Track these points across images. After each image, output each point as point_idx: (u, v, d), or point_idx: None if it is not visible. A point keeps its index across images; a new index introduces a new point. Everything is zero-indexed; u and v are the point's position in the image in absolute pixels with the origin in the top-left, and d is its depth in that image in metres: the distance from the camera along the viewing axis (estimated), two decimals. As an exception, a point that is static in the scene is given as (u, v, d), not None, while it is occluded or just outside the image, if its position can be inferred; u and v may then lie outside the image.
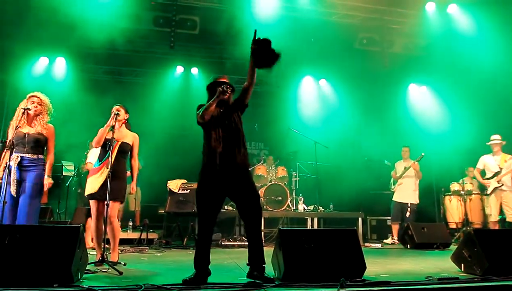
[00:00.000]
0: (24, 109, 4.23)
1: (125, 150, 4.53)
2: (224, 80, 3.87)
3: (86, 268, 3.60)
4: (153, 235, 6.92)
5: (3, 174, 4.03)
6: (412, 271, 4.22)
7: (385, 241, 7.81)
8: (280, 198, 7.92)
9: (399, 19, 8.97)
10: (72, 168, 8.16)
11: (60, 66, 9.48)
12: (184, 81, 10.26)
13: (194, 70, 10.30)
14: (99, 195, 4.32)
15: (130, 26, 8.30)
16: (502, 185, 6.91)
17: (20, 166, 4.14)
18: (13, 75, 8.84)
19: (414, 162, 7.80)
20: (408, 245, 6.78)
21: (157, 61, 9.64)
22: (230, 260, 5.20)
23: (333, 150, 8.91)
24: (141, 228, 6.93)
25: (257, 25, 8.13)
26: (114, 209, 4.37)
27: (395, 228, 7.77)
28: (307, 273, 3.30)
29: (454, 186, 8.52)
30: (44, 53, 9.22)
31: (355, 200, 9.29)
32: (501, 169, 6.99)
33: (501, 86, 8.11)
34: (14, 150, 4.15)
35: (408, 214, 7.62)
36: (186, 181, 7.32)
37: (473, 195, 8.23)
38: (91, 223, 4.60)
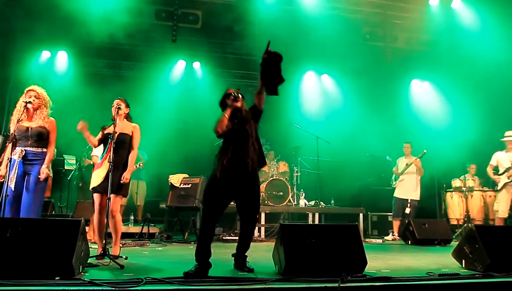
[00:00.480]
0: (26, 103, 4.24)
1: (123, 141, 4.46)
2: (231, 91, 3.96)
3: (88, 262, 3.62)
4: (154, 229, 6.94)
5: (6, 168, 4.04)
6: (413, 266, 4.22)
7: (386, 238, 7.80)
8: (281, 193, 7.93)
9: (402, 14, 8.93)
10: (74, 161, 8.19)
11: (62, 60, 9.47)
12: (186, 76, 10.24)
13: (196, 65, 10.27)
14: (101, 188, 4.32)
15: (132, 20, 8.28)
16: None
17: (24, 159, 4.16)
18: (15, 69, 8.84)
19: (416, 159, 7.78)
20: (409, 241, 6.79)
21: (159, 55, 9.61)
22: (231, 254, 5.20)
23: (334, 145, 8.90)
24: (143, 222, 6.95)
25: (260, 19, 8.19)
26: (117, 203, 4.38)
27: (396, 224, 7.77)
28: (308, 268, 3.31)
29: (456, 182, 8.51)
30: (46, 47, 9.22)
31: (356, 196, 9.29)
32: None
33: (505, 81, 8.06)
34: (17, 144, 4.16)
35: (408, 210, 7.61)
36: (187, 176, 7.32)
37: (474, 192, 8.22)
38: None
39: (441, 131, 9.43)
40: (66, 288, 2.67)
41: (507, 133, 7.13)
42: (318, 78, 10.94)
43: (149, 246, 5.86)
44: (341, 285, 2.95)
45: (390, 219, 8.25)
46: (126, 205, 7.47)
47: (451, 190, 8.57)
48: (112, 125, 4.39)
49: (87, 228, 5.55)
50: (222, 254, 5.31)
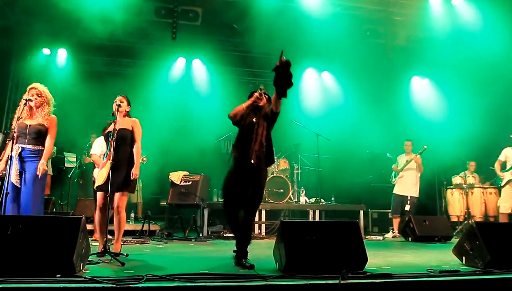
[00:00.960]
0: (26, 100, 4.24)
1: (124, 137, 4.41)
2: (261, 87, 4.29)
3: (89, 259, 3.62)
4: (155, 227, 6.94)
5: (5, 165, 4.04)
6: (413, 263, 4.23)
7: (386, 236, 7.80)
8: (281, 190, 7.94)
9: (403, 11, 8.91)
10: (74, 159, 8.19)
11: (62, 58, 9.46)
12: (186, 73, 10.22)
13: (196, 62, 10.26)
14: (106, 187, 4.31)
15: (132, 17, 8.28)
16: None
17: (21, 156, 4.15)
18: (15, 67, 8.83)
19: (416, 155, 7.77)
20: (410, 238, 6.79)
21: (159, 53, 9.59)
22: (232, 251, 5.21)
23: (335, 142, 8.90)
24: (143, 219, 6.95)
25: (260, 16, 8.18)
26: (123, 199, 4.36)
27: (396, 221, 7.77)
28: (308, 265, 3.31)
29: (456, 179, 8.51)
30: (46, 45, 9.20)
31: (356, 193, 9.29)
32: None
33: (505, 78, 8.05)
34: (16, 141, 4.15)
35: (408, 207, 7.60)
36: (188, 173, 7.32)
37: (474, 189, 8.22)
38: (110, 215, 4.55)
39: (441, 128, 9.41)
40: (67, 285, 2.68)
41: None
42: (318, 75, 10.92)
43: (150, 243, 5.87)
44: (342, 281, 2.95)
45: (390, 216, 8.25)
46: (127, 203, 7.48)
47: (451, 187, 8.57)
48: (112, 123, 4.38)
49: (90, 226, 5.56)
50: (222, 251, 5.33)
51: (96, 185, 4.39)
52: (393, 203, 7.88)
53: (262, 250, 5.28)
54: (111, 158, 4.19)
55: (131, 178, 4.35)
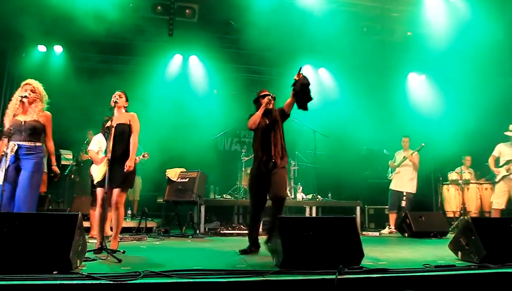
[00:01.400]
0: (21, 97, 4.21)
1: (122, 132, 4.40)
2: (266, 92, 4.73)
3: (85, 256, 3.62)
4: (152, 224, 6.94)
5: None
6: (409, 259, 4.25)
7: (382, 231, 7.84)
8: (278, 187, 7.92)
9: (400, 7, 8.90)
10: (71, 156, 8.17)
11: (58, 54, 9.40)
12: (182, 70, 10.19)
13: (193, 59, 10.22)
14: (105, 183, 4.29)
15: (128, 13, 8.23)
16: (511, 174, 6.92)
17: (17, 154, 4.13)
18: (10, 64, 8.78)
19: (413, 153, 7.79)
20: (406, 234, 6.82)
21: (156, 50, 9.55)
22: (228, 248, 5.23)
23: (332, 139, 8.91)
24: (140, 216, 6.95)
25: (257, 13, 8.16)
26: (122, 196, 4.35)
27: (392, 216, 7.80)
28: (305, 260, 3.32)
29: (452, 175, 8.55)
30: (42, 41, 9.14)
31: (353, 189, 9.31)
32: None
33: (500, 74, 8.08)
34: (11, 138, 4.13)
35: (404, 203, 7.63)
36: (185, 170, 7.32)
37: (470, 184, 8.26)
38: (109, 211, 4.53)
39: (438, 124, 9.43)
40: (63, 282, 2.67)
41: None
42: (315, 71, 10.91)
43: (147, 240, 5.86)
44: (338, 277, 2.96)
45: (387, 212, 8.28)
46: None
47: (447, 182, 8.61)
48: (110, 119, 4.37)
49: (86, 223, 5.55)
50: (220, 247, 5.33)
51: (96, 181, 4.38)
52: (390, 198, 7.92)
53: (260, 246, 5.29)
54: (109, 153, 4.18)
55: (125, 170, 4.27)
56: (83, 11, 7.66)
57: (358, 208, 7.91)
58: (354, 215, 7.44)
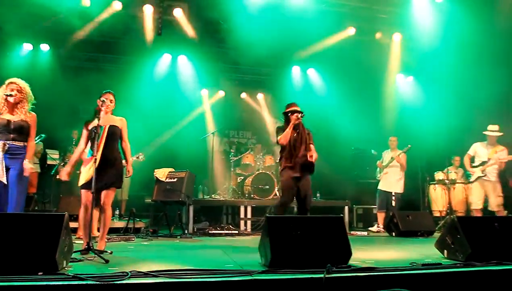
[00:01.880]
0: (6, 96, 4.15)
1: (115, 133, 4.41)
2: (297, 108, 5.28)
3: (72, 257, 3.58)
4: (140, 224, 6.89)
5: None
6: (397, 257, 4.30)
7: (370, 229, 7.92)
8: (267, 187, 7.98)
9: (387, 8, 8.97)
10: (57, 156, 8.06)
11: (44, 53, 9.26)
12: (171, 69, 10.14)
13: (182, 58, 10.17)
14: (92, 185, 4.24)
15: (117, 11, 8.16)
16: (486, 175, 7.02)
17: (7, 153, 4.08)
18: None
19: (400, 154, 7.86)
20: (393, 233, 6.89)
21: (144, 48, 9.47)
22: (217, 248, 5.23)
23: (320, 139, 8.91)
24: (128, 217, 6.90)
25: (245, 14, 8.16)
26: (110, 196, 4.34)
27: (381, 216, 7.87)
28: (294, 259, 3.33)
29: (439, 175, 8.64)
30: (27, 40, 8.99)
31: (342, 189, 9.38)
32: (489, 159, 7.05)
33: (486, 74, 8.19)
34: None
35: (393, 203, 7.71)
36: (173, 170, 7.28)
37: (456, 184, 8.37)
38: (96, 212, 4.50)
39: (426, 125, 9.52)
40: (49, 283, 2.64)
41: (491, 127, 7.13)
42: (303, 72, 10.96)
43: (135, 240, 5.82)
44: (327, 276, 2.98)
45: (375, 211, 8.35)
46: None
47: (434, 182, 8.71)
48: (97, 119, 4.32)
49: (74, 224, 5.48)
50: (208, 247, 5.33)
51: (81, 183, 4.31)
52: (378, 198, 7.99)
53: (248, 246, 5.30)
54: (96, 154, 4.13)
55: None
56: (70, 9, 7.57)
57: (346, 208, 7.97)
58: (342, 215, 7.49)
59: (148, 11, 8.46)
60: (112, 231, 6.49)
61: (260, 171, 8.15)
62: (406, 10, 8.81)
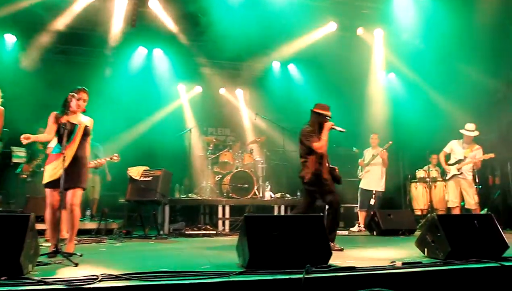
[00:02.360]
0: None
1: (86, 134, 4.40)
2: (329, 113, 5.56)
3: (38, 260, 3.48)
4: (112, 225, 6.79)
5: None
6: (377, 256, 4.35)
7: (351, 229, 7.99)
8: (246, 186, 7.96)
9: (369, 4, 9.06)
10: (24, 154, 7.83)
11: (10, 44, 8.96)
12: (146, 63, 9.98)
13: (157, 52, 10.03)
14: (58, 183, 4.14)
15: (89, 2, 7.99)
16: (461, 173, 7.19)
17: None
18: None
19: (382, 151, 7.97)
20: (375, 232, 6.99)
21: (117, 41, 9.26)
22: (194, 249, 5.19)
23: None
24: (100, 217, 6.78)
25: (224, 7, 8.10)
26: (77, 196, 4.26)
27: (362, 215, 7.96)
28: (272, 260, 3.32)
29: (420, 173, 8.80)
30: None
31: (323, 188, 9.39)
32: (465, 158, 7.23)
33: (466, 72, 8.38)
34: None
35: (373, 201, 7.81)
36: (148, 168, 7.18)
37: (437, 182, 8.53)
38: (63, 213, 4.37)
39: (407, 122, 9.67)
40: (13, 288, 2.56)
41: (468, 126, 7.28)
42: (284, 68, 10.97)
43: (107, 242, 5.74)
44: (306, 276, 2.99)
45: (356, 210, 8.45)
46: (82, 200, 7.24)
47: (415, 180, 8.86)
48: (66, 115, 4.24)
49: (42, 226, 5.33)
50: (184, 248, 5.29)
51: (46, 181, 4.20)
52: (360, 197, 8.08)
53: (226, 246, 5.28)
54: (71, 153, 4.06)
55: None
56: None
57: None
58: (322, 214, 7.54)
59: (122, 2, 8.29)
60: (83, 232, 6.36)
61: (239, 169, 8.12)
62: (388, 5, 8.92)
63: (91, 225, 6.75)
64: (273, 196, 8.38)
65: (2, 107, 4.22)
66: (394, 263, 3.54)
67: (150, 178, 6.92)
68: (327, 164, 5.38)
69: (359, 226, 7.97)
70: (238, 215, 7.64)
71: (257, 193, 8.19)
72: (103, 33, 9.00)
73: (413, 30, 9.13)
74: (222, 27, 8.16)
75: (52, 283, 2.65)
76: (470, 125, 7.29)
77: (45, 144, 7.07)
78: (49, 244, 4.41)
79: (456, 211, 7.24)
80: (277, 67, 10.96)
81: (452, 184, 7.31)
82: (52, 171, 4.17)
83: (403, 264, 3.46)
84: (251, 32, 8.27)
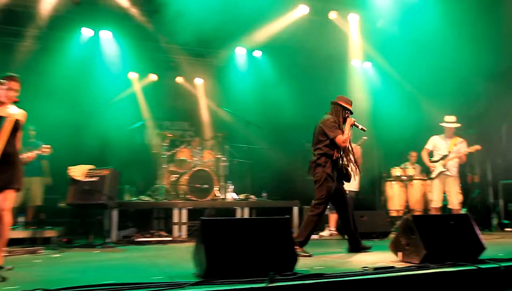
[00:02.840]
0: None
1: (17, 128, 4.23)
2: (350, 107, 5.67)
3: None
4: (50, 233, 6.58)
5: None
6: (348, 262, 4.43)
7: (321, 234, 8.08)
8: (206, 186, 7.92)
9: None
10: None
11: None
12: (91, 48, 9.68)
13: (106, 34, 9.74)
14: None
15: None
16: (447, 169, 7.43)
17: None
18: None
19: (355, 146, 8.09)
20: (346, 235, 7.10)
21: (57, 21, 8.94)
22: (145, 258, 5.12)
23: (267, 131, 9.01)
24: (35, 224, 6.57)
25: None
26: (9, 199, 4.09)
27: (333, 218, 8.05)
28: (233, 268, 3.33)
29: (396, 171, 9.00)
30: None
31: (291, 188, 9.51)
32: (449, 152, 7.43)
33: (442, 66, 8.66)
34: None
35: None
36: (93, 167, 6.99)
37: (414, 181, 8.76)
38: None
39: (382, 116, 9.89)
40: None
41: (447, 118, 7.50)
42: (249, 55, 10.94)
43: (43, 253, 5.59)
44: (269, 285, 3.00)
45: (327, 212, 8.55)
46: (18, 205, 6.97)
47: (391, 179, 9.07)
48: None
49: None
50: (134, 258, 5.21)
51: None
52: (330, 198, 8.17)
53: (182, 254, 5.24)
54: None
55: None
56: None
57: (295, 209, 8.10)
58: (288, 216, 7.62)
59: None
60: (15, 242, 6.11)
61: (198, 168, 8.06)
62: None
63: (25, 234, 6.51)
64: (236, 197, 8.37)
65: None
66: (365, 268, 3.61)
67: (95, 179, 6.75)
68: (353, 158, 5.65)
69: (329, 230, 8.06)
70: (196, 219, 7.56)
71: (218, 194, 8.15)
72: (39, 11, 8.67)
73: (390, 16, 9.32)
74: (181, 8, 8.04)
75: (-28, 300, 2.53)
76: (450, 118, 7.50)
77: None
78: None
79: (437, 212, 7.46)
80: (242, 55, 10.90)
81: (437, 183, 7.49)
82: None
83: (375, 269, 3.53)
84: (214, 14, 8.19)
